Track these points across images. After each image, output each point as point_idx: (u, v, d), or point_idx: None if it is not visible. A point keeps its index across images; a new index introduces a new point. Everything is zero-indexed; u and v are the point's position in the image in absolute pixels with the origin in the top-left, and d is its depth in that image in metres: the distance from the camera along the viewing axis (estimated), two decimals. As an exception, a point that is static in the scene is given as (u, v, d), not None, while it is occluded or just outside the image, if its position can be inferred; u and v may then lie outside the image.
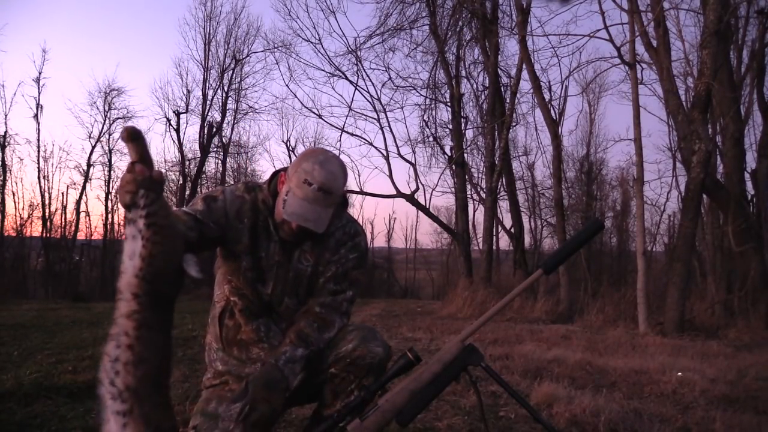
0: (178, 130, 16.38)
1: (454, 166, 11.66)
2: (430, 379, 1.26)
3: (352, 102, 12.48)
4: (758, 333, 6.04)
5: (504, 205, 13.25)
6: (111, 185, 17.19)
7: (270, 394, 1.32)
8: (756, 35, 8.82)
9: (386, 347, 1.45)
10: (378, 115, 11.56)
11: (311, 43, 11.62)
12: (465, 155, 11.94)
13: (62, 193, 18.63)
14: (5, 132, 15.03)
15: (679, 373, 3.41)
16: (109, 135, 16.76)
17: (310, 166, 1.35)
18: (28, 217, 15.88)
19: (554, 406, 2.56)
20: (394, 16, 11.02)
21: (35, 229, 15.94)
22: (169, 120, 16.39)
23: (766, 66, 8.62)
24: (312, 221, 1.34)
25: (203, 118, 16.27)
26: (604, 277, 11.13)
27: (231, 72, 16.31)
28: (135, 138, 1.04)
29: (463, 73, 12.05)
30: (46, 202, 15.92)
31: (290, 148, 18.60)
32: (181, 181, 16.53)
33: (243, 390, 1.32)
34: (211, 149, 16.68)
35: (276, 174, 1.50)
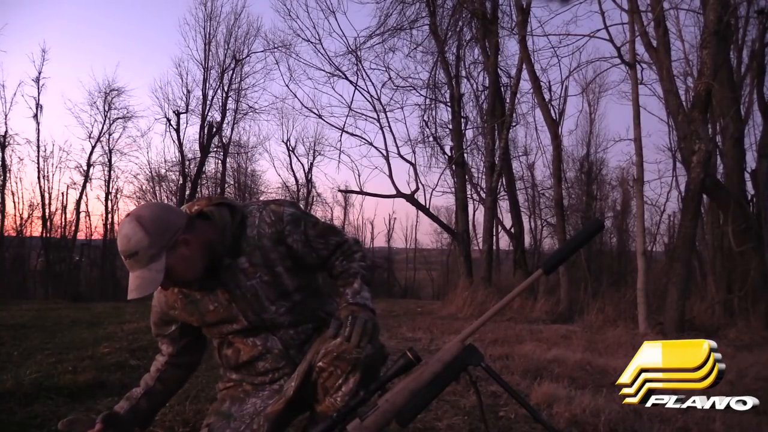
0: (178, 130, 16.37)
1: (454, 166, 11.65)
2: (430, 379, 1.26)
3: (352, 102, 12.44)
4: (758, 333, 6.03)
5: (504, 205, 13.26)
6: (111, 185, 17.21)
7: (360, 309, 1.38)
8: (756, 35, 8.81)
9: (377, 345, 1.41)
10: (378, 115, 11.59)
11: (311, 43, 11.66)
12: (465, 155, 11.95)
13: (62, 193, 18.53)
14: (5, 132, 15.04)
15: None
16: (109, 135, 16.77)
17: None
18: (28, 217, 15.90)
19: (554, 406, 2.56)
20: (394, 16, 11.04)
21: (35, 229, 15.96)
22: (169, 120, 16.39)
23: (766, 66, 8.61)
24: (135, 290, 1.30)
25: (203, 118, 16.25)
26: (604, 277, 11.15)
27: (231, 72, 16.30)
28: (69, 427, 1.41)
29: (463, 73, 12.07)
30: (46, 202, 15.92)
31: (290, 148, 18.63)
32: (181, 181, 16.51)
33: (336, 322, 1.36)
34: (211, 149, 16.66)
35: None
